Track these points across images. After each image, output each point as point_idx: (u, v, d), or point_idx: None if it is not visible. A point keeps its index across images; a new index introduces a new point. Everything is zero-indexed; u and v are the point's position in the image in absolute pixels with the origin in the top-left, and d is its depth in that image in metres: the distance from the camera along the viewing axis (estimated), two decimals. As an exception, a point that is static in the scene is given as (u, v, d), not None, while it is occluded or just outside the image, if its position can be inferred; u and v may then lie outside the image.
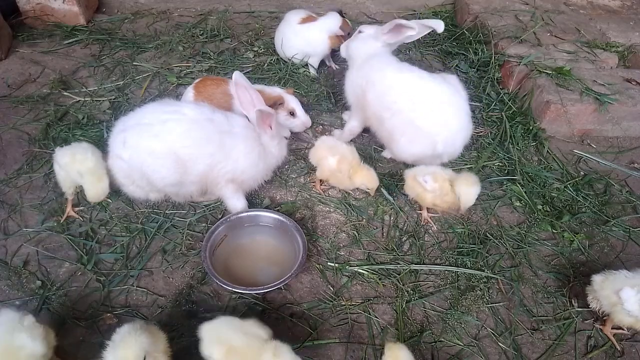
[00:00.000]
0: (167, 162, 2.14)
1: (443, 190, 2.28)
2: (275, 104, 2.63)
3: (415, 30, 2.51)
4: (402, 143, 2.52)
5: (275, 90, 2.72)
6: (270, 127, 2.34)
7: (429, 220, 2.44)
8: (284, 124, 2.69)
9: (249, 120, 2.37)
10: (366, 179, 2.41)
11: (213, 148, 2.21)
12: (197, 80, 2.73)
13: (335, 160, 2.40)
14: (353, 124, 2.80)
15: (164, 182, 2.19)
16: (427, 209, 2.44)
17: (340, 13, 3.26)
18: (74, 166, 2.18)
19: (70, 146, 2.25)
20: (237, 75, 2.31)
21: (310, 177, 2.66)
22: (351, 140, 2.84)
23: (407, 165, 2.74)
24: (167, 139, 2.13)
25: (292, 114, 2.72)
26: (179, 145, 2.14)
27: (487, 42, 3.53)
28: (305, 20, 3.25)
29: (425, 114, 2.43)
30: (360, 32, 2.72)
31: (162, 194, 2.34)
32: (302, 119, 2.75)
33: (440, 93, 2.46)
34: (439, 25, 2.48)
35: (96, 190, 2.24)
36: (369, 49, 2.64)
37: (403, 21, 2.52)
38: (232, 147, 2.26)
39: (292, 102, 2.72)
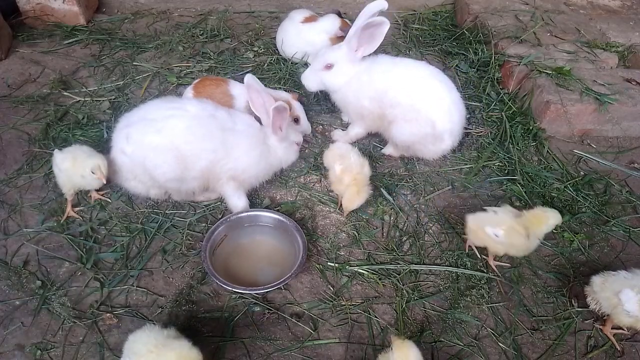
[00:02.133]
0: (169, 157, 2.15)
1: (512, 238, 2.06)
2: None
3: (386, 22, 2.40)
4: (402, 125, 2.56)
5: (282, 95, 2.71)
6: (281, 129, 2.35)
7: (495, 268, 2.26)
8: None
9: (260, 122, 2.39)
10: (348, 197, 2.34)
11: (215, 144, 2.22)
12: (196, 81, 2.73)
13: (339, 169, 2.37)
14: (358, 131, 2.83)
15: (166, 177, 2.19)
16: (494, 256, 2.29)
17: (339, 14, 3.27)
18: (76, 171, 2.17)
19: (71, 149, 2.24)
20: (249, 78, 2.33)
21: (311, 177, 2.66)
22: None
23: (405, 162, 2.74)
24: (169, 134, 2.15)
25: (296, 120, 2.72)
26: (181, 141, 2.15)
27: (487, 42, 3.53)
28: (307, 20, 3.26)
29: (421, 98, 2.52)
30: (329, 65, 2.60)
31: (163, 190, 2.34)
32: (304, 127, 2.77)
33: (429, 76, 2.58)
34: (382, 4, 2.48)
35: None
36: (350, 72, 2.59)
37: (364, 20, 2.42)
38: (234, 144, 2.27)
39: (299, 110, 2.73)
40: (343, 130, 2.92)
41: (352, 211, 2.46)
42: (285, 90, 2.91)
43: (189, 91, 2.68)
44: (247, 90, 2.36)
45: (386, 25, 2.40)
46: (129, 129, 2.19)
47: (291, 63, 3.35)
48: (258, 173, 2.41)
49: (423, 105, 2.51)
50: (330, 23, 3.21)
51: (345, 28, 3.20)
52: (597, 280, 1.97)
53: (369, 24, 2.39)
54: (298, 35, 3.25)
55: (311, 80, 2.68)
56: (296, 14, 3.32)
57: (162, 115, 2.18)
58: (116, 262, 2.18)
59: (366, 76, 2.57)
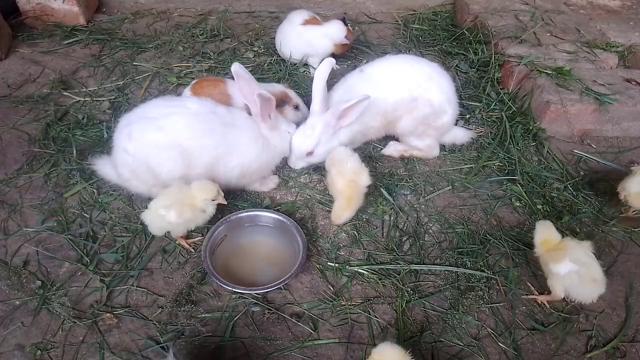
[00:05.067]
0: (172, 154, 2.16)
1: None
2: (283, 101, 2.66)
3: (367, 98, 2.32)
4: (405, 118, 2.61)
5: (277, 88, 2.73)
6: (270, 117, 2.35)
7: None
8: (290, 118, 2.69)
9: (250, 114, 2.40)
10: (336, 211, 2.33)
11: (217, 140, 2.23)
12: (193, 82, 2.74)
13: (334, 172, 2.36)
14: (355, 144, 2.83)
15: (170, 175, 2.19)
16: None
17: (344, 20, 3.26)
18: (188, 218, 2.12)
19: (168, 199, 2.11)
20: (236, 67, 2.31)
21: (311, 177, 2.67)
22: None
23: (405, 162, 2.74)
24: (171, 131, 2.15)
25: (296, 107, 2.75)
26: (183, 138, 2.16)
27: (487, 42, 3.53)
28: (308, 22, 3.25)
29: (415, 86, 2.56)
30: (310, 152, 2.49)
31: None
32: (304, 112, 2.78)
33: (410, 63, 2.65)
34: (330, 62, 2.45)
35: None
36: (332, 141, 2.51)
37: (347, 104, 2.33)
38: (235, 139, 2.28)
39: (296, 98, 2.77)
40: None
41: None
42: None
43: (186, 92, 2.70)
44: (236, 79, 2.36)
45: (367, 101, 2.34)
46: (130, 127, 2.18)
47: (290, 64, 3.35)
48: (261, 165, 2.42)
49: (418, 91, 2.55)
50: (336, 29, 3.19)
51: (349, 37, 3.22)
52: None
53: (355, 104, 2.33)
54: (299, 38, 3.24)
55: (300, 165, 2.61)
56: (296, 16, 3.31)
57: (163, 113, 2.19)
58: (116, 262, 2.18)
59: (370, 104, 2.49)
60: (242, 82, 2.35)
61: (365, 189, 2.35)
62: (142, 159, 2.16)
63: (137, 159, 2.17)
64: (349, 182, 2.31)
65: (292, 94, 2.76)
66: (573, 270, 1.93)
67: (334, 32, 3.20)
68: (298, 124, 2.57)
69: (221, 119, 2.26)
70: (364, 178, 2.35)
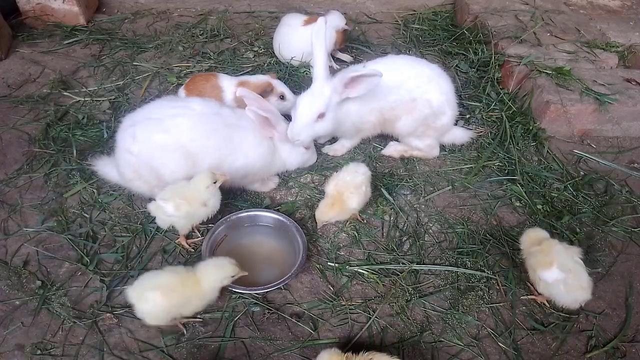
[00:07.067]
0: (176, 155, 2.16)
1: None
2: (265, 91, 2.67)
3: (378, 75, 2.25)
4: (404, 118, 2.60)
5: (261, 78, 2.76)
6: (276, 131, 2.34)
7: None
8: (277, 108, 2.69)
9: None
10: (321, 208, 2.33)
11: (220, 141, 2.23)
12: (187, 81, 2.77)
13: (337, 173, 2.37)
14: (353, 143, 2.83)
15: (173, 176, 2.19)
16: None
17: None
18: (196, 206, 2.13)
19: (170, 194, 2.12)
20: (241, 91, 2.32)
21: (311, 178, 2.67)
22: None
23: (405, 162, 2.74)
24: (176, 132, 2.15)
25: (282, 97, 2.75)
26: (187, 139, 2.16)
27: (487, 42, 3.53)
28: (308, 22, 3.26)
29: (414, 86, 2.55)
30: (322, 114, 2.35)
31: None
32: (292, 101, 2.78)
33: (411, 65, 2.63)
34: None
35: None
36: (337, 112, 2.43)
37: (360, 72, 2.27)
38: (240, 140, 2.28)
39: (281, 86, 2.77)
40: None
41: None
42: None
43: (181, 92, 2.74)
44: (246, 101, 2.34)
45: (378, 78, 2.26)
46: (134, 128, 2.18)
47: (290, 64, 3.35)
48: (264, 167, 2.42)
49: (417, 92, 2.55)
50: (336, 17, 3.30)
51: (349, 23, 3.34)
52: None
53: (362, 75, 2.27)
54: (301, 38, 3.24)
55: (307, 134, 2.37)
56: (293, 19, 3.32)
57: (168, 114, 2.18)
58: (116, 262, 2.18)
59: (369, 96, 2.45)
60: (251, 102, 2.31)
61: (352, 209, 2.34)
62: (145, 159, 2.16)
63: (140, 159, 2.16)
64: (338, 192, 2.30)
65: (276, 83, 2.76)
66: (560, 278, 1.93)
67: (334, 20, 3.27)
68: (285, 115, 2.55)
69: (225, 120, 2.25)
70: (354, 199, 2.31)
